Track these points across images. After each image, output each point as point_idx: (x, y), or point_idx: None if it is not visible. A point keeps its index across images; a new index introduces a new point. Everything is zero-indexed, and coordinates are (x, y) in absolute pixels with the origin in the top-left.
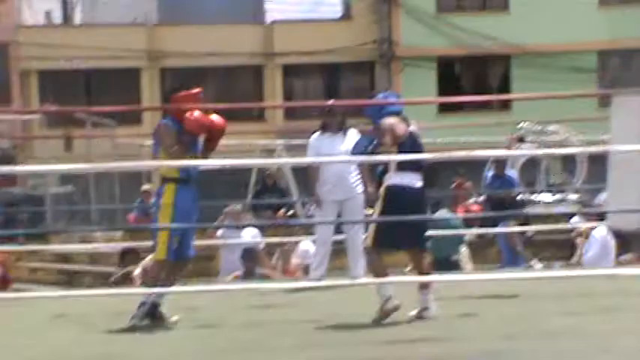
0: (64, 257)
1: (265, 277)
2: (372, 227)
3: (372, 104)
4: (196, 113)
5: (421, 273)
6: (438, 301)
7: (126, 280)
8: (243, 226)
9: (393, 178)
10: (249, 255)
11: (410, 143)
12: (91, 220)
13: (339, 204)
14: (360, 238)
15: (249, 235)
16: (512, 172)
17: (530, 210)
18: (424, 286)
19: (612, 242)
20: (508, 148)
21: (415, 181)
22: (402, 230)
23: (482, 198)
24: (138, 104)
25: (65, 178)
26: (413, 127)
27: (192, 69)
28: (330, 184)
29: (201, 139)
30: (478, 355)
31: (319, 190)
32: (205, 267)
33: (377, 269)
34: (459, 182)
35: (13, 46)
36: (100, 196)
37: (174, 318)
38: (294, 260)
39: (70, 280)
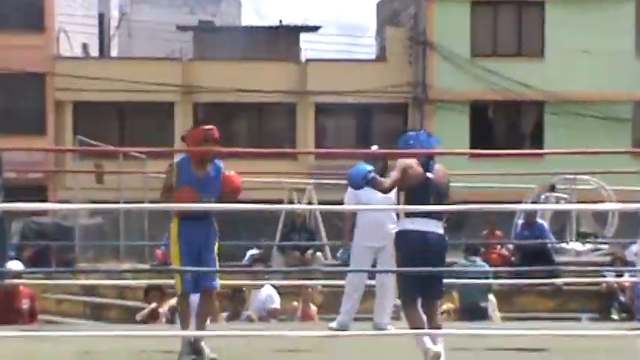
0: (91, 290)
1: (250, 320)
2: (395, 280)
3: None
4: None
5: (432, 324)
6: (465, 351)
7: (152, 317)
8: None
9: (402, 224)
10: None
11: (423, 189)
12: (120, 253)
13: (375, 250)
14: (390, 286)
15: (265, 294)
16: (543, 221)
17: (560, 260)
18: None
19: None
20: (538, 196)
21: (427, 226)
22: (416, 278)
23: (512, 246)
24: (171, 139)
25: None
26: (432, 175)
27: (225, 104)
28: (368, 231)
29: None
30: None
31: (356, 235)
32: None
33: (412, 321)
34: (491, 229)
35: (50, 77)
36: (129, 229)
37: (213, 355)
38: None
39: (97, 312)
